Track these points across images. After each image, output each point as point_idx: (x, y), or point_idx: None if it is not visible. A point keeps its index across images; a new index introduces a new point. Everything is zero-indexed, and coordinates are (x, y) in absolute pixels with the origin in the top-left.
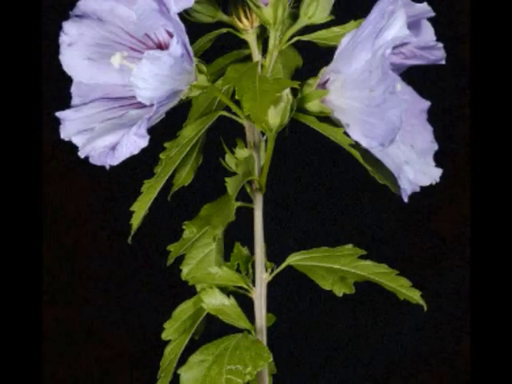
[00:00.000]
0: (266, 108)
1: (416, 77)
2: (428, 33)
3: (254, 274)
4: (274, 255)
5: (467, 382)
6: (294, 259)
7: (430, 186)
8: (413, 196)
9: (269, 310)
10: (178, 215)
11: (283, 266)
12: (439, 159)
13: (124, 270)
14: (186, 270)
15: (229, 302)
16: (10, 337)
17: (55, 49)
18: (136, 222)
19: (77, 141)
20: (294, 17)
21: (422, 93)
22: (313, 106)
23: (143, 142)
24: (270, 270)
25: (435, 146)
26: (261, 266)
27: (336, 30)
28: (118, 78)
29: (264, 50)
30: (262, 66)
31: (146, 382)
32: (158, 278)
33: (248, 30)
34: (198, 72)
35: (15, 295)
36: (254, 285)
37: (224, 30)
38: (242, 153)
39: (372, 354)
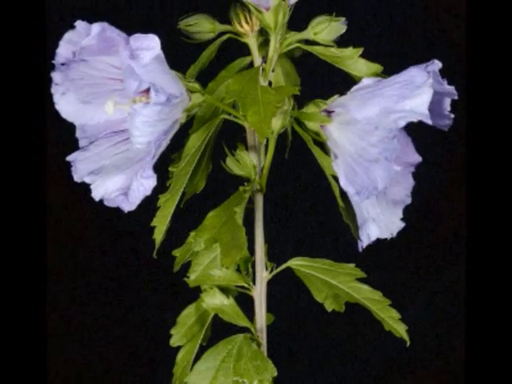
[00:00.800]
0: (270, 120)
1: None
2: (445, 106)
3: (254, 273)
4: (274, 254)
5: (462, 378)
6: (295, 263)
7: (427, 186)
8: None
9: (268, 307)
10: (179, 214)
11: (283, 266)
12: (435, 158)
13: (126, 268)
14: (193, 277)
15: (228, 302)
16: (15, 334)
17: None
18: (158, 236)
19: (89, 181)
20: (299, 23)
21: None
22: (312, 125)
23: (152, 182)
24: (269, 269)
25: (409, 200)
26: (261, 264)
27: (333, 51)
28: (116, 114)
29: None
30: (263, 69)
31: (148, 378)
32: (160, 277)
33: (248, 33)
34: (191, 92)
35: (20, 294)
36: (254, 283)
37: (225, 37)
38: (242, 155)
39: (370, 351)
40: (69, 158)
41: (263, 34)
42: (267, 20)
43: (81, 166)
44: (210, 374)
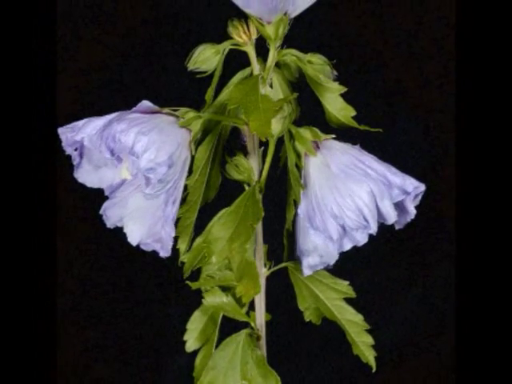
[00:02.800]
0: (269, 123)
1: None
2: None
3: None
4: (273, 253)
5: (452, 368)
6: (293, 265)
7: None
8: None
9: (267, 302)
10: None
11: (281, 265)
12: (424, 155)
13: (133, 265)
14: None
15: (227, 300)
16: (27, 325)
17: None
18: (183, 246)
19: (122, 226)
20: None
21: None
22: (298, 146)
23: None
24: (268, 267)
25: None
26: (260, 262)
27: (321, 78)
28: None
29: (263, 58)
30: (262, 77)
31: (153, 369)
32: (164, 273)
33: (247, 42)
34: (188, 125)
35: (31, 289)
36: None
37: (227, 50)
38: (241, 161)
39: None
40: (101, 211)
41: (261, 43)
42: (268, 32)
43: (110, 212)
44: (219, 372)
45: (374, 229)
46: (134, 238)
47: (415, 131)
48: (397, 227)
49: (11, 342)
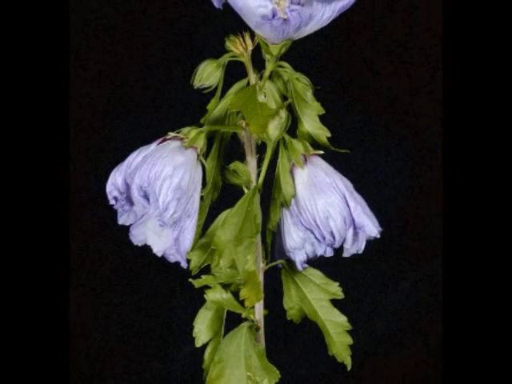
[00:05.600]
0: (267, 127)
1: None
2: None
3: None
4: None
5: (440, 358)
6: (286, 262)
7: (405, 183)
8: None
9: (266, 296)
10: None
11: (278, 262)
12: (413, 156)
13: (140, 259)
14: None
15: (227, 296)
16: (41, 317)
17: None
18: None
19: (146, 239)
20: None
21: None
22: (291, 155)
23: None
24: (266, 262)
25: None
26: (259, 257)
27: (308, 95)
28: None
29: (258, 67)
30: (259, 86)
31: (160, 358)
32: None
33: (243, 53)
34: (192, 143)
35: (45, 283)
36: None
37: (226, 62)
38: (238, 166)
39: (357, 334)
40: (131, 237)
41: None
42: (271, 51)
43: (136, 231)
44: (225, 365)
45: (337, 245)
46: (158, 250)
47: (405, 134)
48: (345, 254)
49: (25, 330)
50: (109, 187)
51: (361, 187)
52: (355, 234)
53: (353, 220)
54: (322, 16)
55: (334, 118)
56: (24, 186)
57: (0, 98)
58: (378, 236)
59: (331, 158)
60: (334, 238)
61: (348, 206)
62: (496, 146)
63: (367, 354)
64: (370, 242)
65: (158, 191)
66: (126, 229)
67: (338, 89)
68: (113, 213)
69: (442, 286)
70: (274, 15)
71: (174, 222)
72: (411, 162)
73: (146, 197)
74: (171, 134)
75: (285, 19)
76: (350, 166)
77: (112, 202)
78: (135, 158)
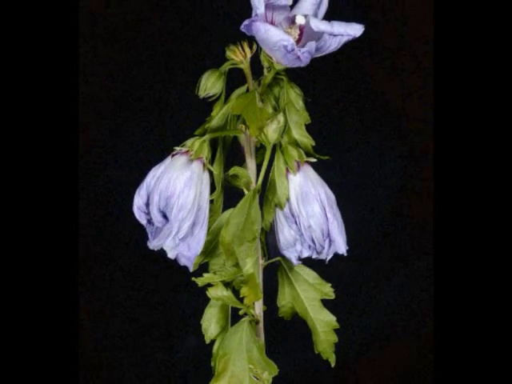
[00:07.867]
0: (266, 129)
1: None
2: None
3: None
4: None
5: (430, 349)
6: (283, 260)
7: (397, 183)
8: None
9: (265, 292)
10: None
11: (276, 259)
12: (405, 157)
13: (146, 256)
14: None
15: (227, 293)
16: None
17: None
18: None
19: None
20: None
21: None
22: (287, 160)
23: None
24: (265, 258)
25: None
26: (259, 254)
27: (300, 111)
28: None
29: (255, 73)
30: (258, 93)
31: (165, 349)
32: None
33: (243, 61)
34: (199, 153)
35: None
36: None
37: (227, 69)
38: (238, 170)
39: (352, 327)
40: (148, 244)
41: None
42: (275, 66)
43: (155, 241)
44: (229, 359)
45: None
46: (172, 254)
47: (398, 136)
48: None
49: (36, 324)
50: (137, 213)
51: (355, 187)
52: (330, 245)
53: (328, 233)
54: (329, 47)
55: (331, 121)
56: (34, 186)
57: (7, 102)
58: (345, 254)
59: (328, 160)
60: (315, 244)
61: (327, 218)
62: (486, 148)
63: (364, 345)
64: (365, 240)
65: (173, 211)
66: (132, 228)
67: (334, 94)
68: (120, 211)
69: (433, 282)
70: (291, 50)
71: (186, 235)
72: (404, 163)
73: (165, 216)
74: (177, 149)
75: (298, 56)
76: (345, 167)
77: (145, 224)
78: (150, 181)
